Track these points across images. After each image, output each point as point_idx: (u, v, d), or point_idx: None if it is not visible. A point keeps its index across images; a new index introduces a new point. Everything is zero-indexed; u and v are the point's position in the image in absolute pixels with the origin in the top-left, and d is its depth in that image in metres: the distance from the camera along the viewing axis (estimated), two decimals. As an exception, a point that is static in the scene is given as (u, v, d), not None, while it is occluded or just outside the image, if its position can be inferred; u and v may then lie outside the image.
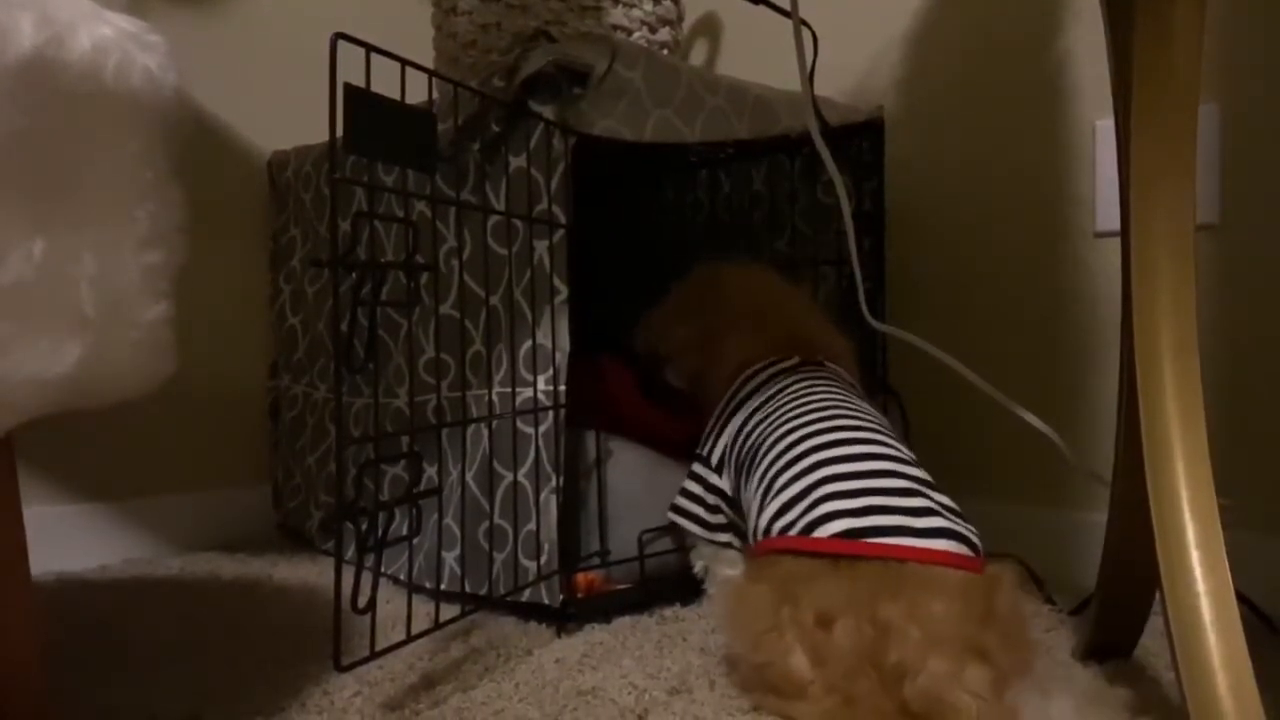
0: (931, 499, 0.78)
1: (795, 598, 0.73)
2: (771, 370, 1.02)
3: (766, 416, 0.94)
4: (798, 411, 0.92)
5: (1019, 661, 0.69)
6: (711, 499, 1.02)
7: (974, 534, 0.76)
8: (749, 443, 0.94)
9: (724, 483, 1.00)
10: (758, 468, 0.90)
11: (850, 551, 0.74)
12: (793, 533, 0.78)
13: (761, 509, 0.86)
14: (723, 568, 1.04)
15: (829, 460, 0.83)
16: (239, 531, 1.42)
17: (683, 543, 1.08)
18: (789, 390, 0.97)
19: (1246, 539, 0.73)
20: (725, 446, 1.00)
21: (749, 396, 1.00)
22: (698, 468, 1.04)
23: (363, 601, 0.72)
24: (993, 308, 1.27)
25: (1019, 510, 1.23)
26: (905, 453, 0.85)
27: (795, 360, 1.03)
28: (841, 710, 0.69)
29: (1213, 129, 1.06)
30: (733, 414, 1.01)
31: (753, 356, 1.05)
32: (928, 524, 0.75)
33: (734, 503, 0.99)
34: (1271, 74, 1.04)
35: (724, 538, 1.03)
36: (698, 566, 1.06)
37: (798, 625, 0.72)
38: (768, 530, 0.82)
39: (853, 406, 0.92)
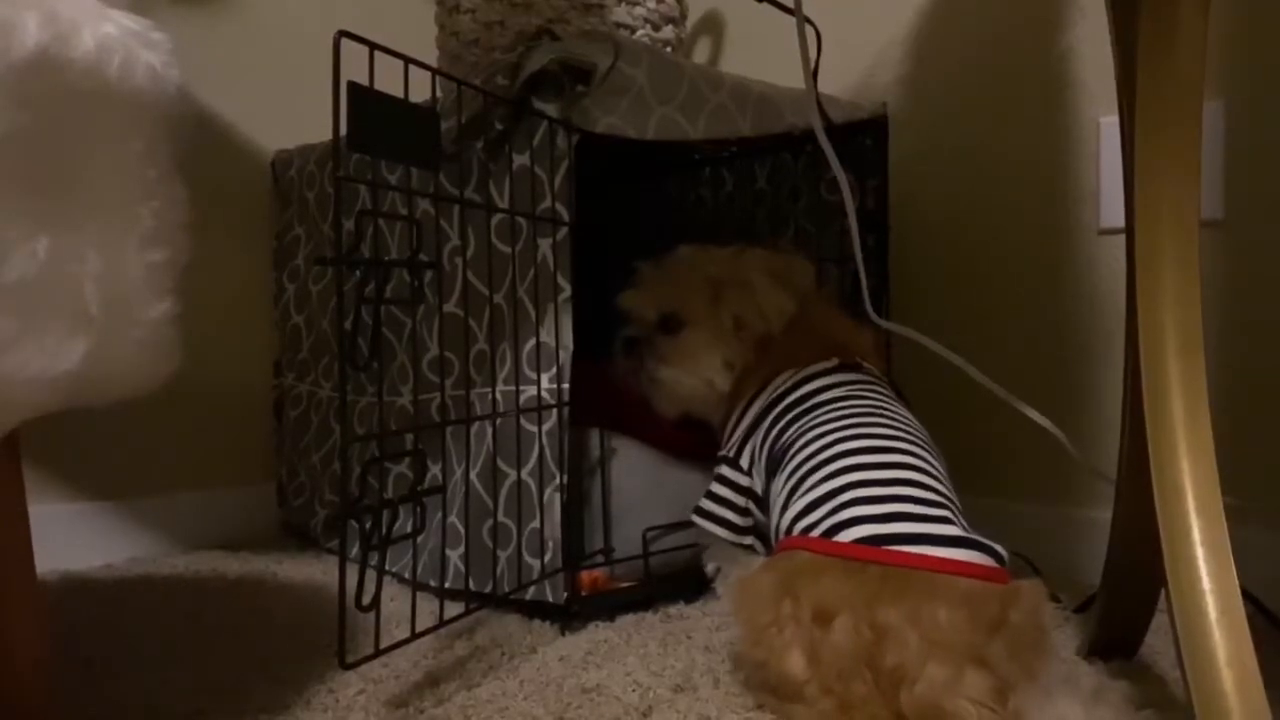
0: (955, 518, 0.78)
1: (796, 592, 0.73)
2: (808, 372, 1.00)
3: (802, 415, 0.94)
4: (834, 414, 0.91)
5: (1026, 671, 0.68)
6: (742, 501, 1.00)
7: (998, 546, 0.75)
8: (781, 441, 0.93)
9: (755, 483, 0.99)
10: (786, 466, 0.90)
11: (871, 558, 0.73)
12: (815, 534, 0.78)
13: (785, 506, 0.85)
14: (738, 570, 1.03)
15: (859, 466, 0.82)
16: (243, 530, 1.42)
17: (696, 540, 1.07)
18: (827, 392, 0.96)
19: (1252, 536, 0.73)
20: (755, 448, 0.98)
21: (784, 396, 0.99)
22: (725, 470, 1.02)
23: (367, 599, 0.72)
24: (997, 305, 1.27)
25: (1024, 507, 1.23)
26: (938, 469, 0.84)
27: (834, 362, 1.01)
28: (837, 715, 0.69)
29: (1217, 125, 1.06)
30: (766, 415, 0.99)
31: (789, 363, 1.02)
32: (950, 532, 0.75)
33: (763, 502, 0.98)
34: (1277, 70, 1.04)
35: (749, 540, 1.02)
36: (710, 568, 1.06)
37: (795, 621, 0.71)
38: (789, 529, 0.82)
39: (891, 414, 0.91)
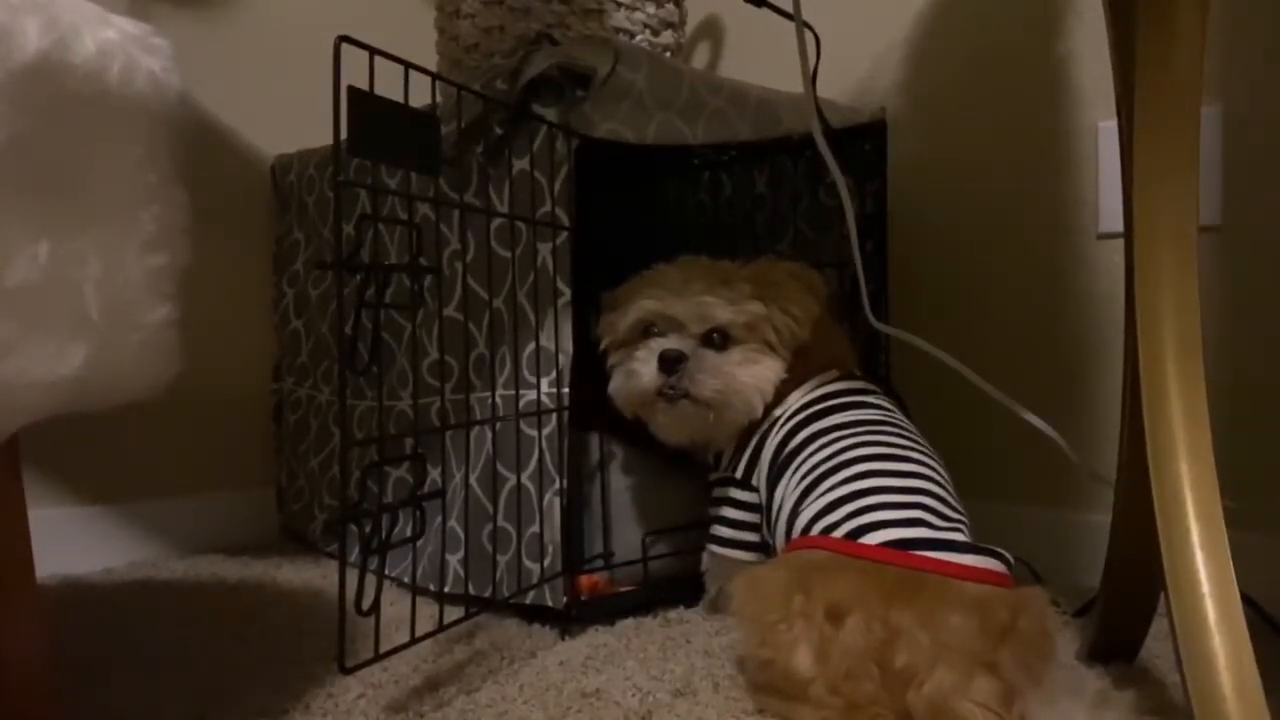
0: (965, 528, 0.80)
1: (809, 587, 0.73)
2: (814, 383, 1.00)
3: (810, 420, 0.94)
4: (846, 422, 0.92)
5: (1033, 677, 0.69)
6: (756, 518, 0.99)
7: (1006, 553, 0.77)
8: (789, 447, 0.93)
9: (762, 496, 0.98)
10: (797, 469, 0.90)
11: (896, 561, 0.74)
12: (837, 534, 0.79)
13: (797, 508, 0.85)
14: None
15: (880, 472, 0.83)
16: (243, 534, 1.42)
17: (704, 568, 1.06)
18: (835, 399, 0.96)
19: (1250, 540, 0.73)
20: (763, 462, 0.97)
21: (793, 410, 0.98)
22: (735, 492, 1.00)
23: (366, 604, 0.72)
24: (996, 309, 1.27)
25: (1022, 511, 1.22)
26: (946, 479, 0.86)
27: (834, 373, 1.01)
28: (843, 717, 0.69)
29: (1215, 130, 1.06)
30: (773, 428, 0.98)
31: (805, 376, 1.01)
32: (964, 539, 0.77)
33: (765, 511, 0.98)
34: (1273, 75, 1.04)
35: (762, 556, 1.00)
36: (713, 590, 1.05)
37: (806, 617, 0.72)
38: (806, 528, 0.82)
39: (899, 424, 0.92)
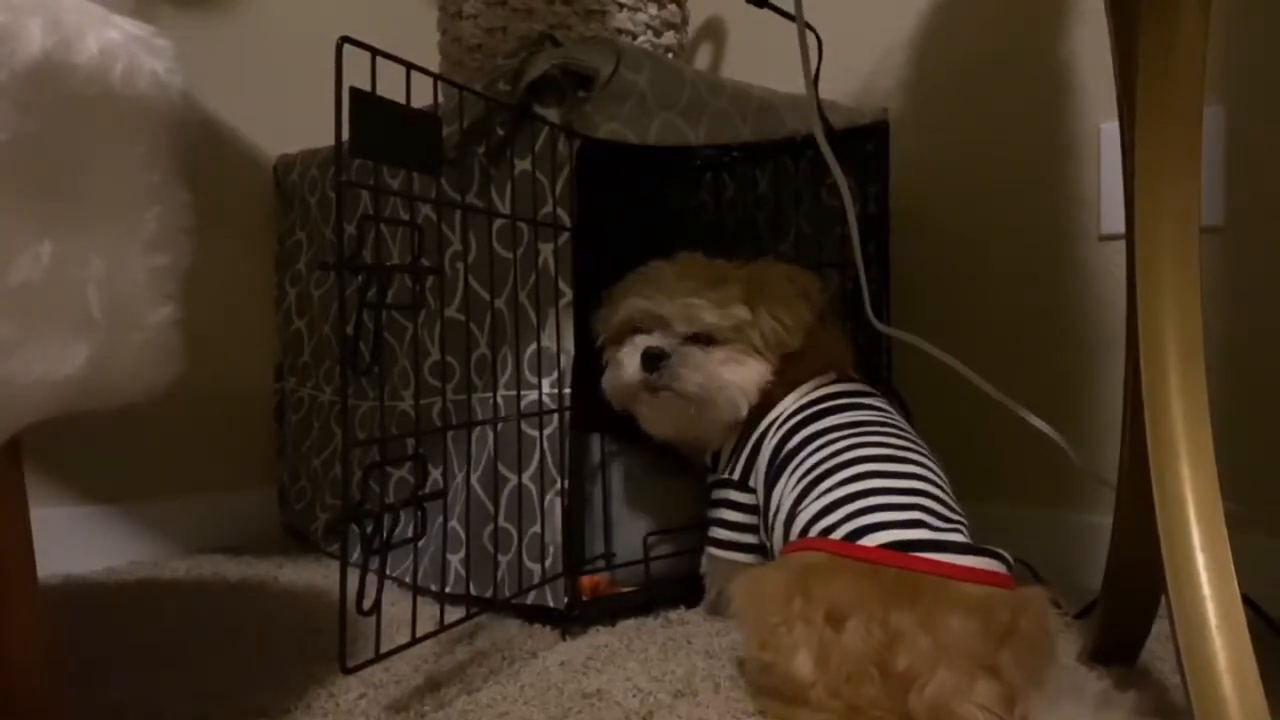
0: (964, 529, 0.80)
1: (809, 590, 0.73)
2: (809, 385, 1.00)
3: (807, 422, 0.94)
4: (843, 423, 0.92)
5: (1034, 678, 0.69)
6: (754, 520, 0.99)
7: (1005, 554, 0.77)
8: (785, 449, 0.93)
9: (759, 497, 0.98)
10: (794, 471, 0.90)
11: (895, 563, 0.74)
12: (836, 535, 0.79)
13: (795, 509, 0.85)
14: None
15: (879, 474, 0.83)
16: (244, 534, 1.42)
17: (704, 570, 1.06)
18: (832, 400, 0.96)
19: (1252, 542, 0.73)
20: (760, 464, 0.97)
21: (788, 413, 0.98)
22: (733, 494, 1.00)
23: (368, 604, 0.72)
24: (997, 310, 1.27)
25: (1024, 513, 1.22)
26: (944, 481, 0.86)
27: (832, 376, 1.01)
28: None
29: (1217, 131, 1.06)
30: (769, 431, 0.98)
31: (797, 381, 1.01)
32: (964, 540, 0.77)
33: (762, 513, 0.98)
34: (1275, 75, 1.04)
35: (757, 558, 1.00)
36: (713, 593, 1.05)
37: (806, 620, 0.71)
38: (805, 529, 0.82)
39: (897, 426, 0.92)
